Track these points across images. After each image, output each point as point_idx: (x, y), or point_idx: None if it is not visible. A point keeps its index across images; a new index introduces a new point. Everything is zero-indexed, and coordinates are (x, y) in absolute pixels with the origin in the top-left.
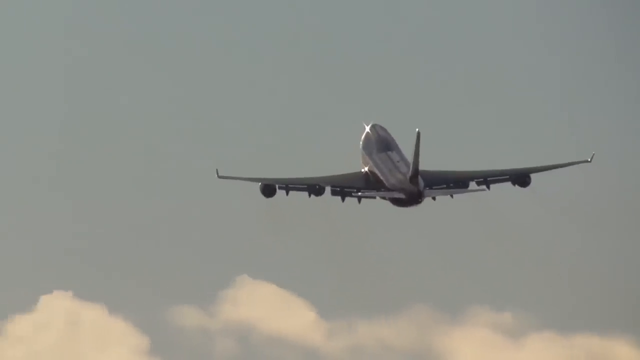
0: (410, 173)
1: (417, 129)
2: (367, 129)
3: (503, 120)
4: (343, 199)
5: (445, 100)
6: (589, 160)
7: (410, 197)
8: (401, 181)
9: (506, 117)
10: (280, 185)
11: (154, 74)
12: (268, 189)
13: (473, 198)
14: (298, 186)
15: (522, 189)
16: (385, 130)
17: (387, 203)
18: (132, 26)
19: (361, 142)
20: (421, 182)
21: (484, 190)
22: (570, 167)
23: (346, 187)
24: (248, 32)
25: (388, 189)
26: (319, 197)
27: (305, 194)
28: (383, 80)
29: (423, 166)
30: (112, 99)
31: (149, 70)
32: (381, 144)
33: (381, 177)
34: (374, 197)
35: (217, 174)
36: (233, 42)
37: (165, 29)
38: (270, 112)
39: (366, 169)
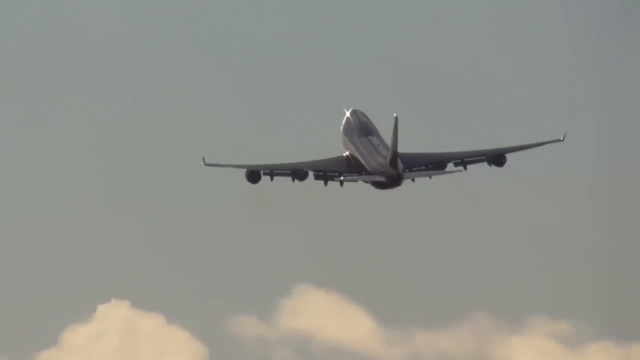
0: (389, 156)
1: (394, 114)
2: (348, 114)
3: (478, 102)
4: (326, 183)
5: (421, 84)
6: (562, 139)
7: (390, 180)
8: (382, 164)
9: (480, 99)
10: (265, 171)
11: (133, 64)
12: (253, 175)
13: (450, 178)
14: (282, 171)
15: (499, 168)
16: (364, 115)
17: (369, 186)
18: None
19: (342, 127)
20: (400, 165)
21: (461, 171)
22: (544, 146)
23: (329, 171)
24: (227, 21)
25: (369, 172)
26: (303, 182)
27: (289, 178)
28: (359, 66)
29: (401, 149)
30: (93, 92)
31: (127, 59)
32: (362, 128)
33: (362, 161)
34: (356, 181)
35: (204, 161)
36: (212, 31)
37: (148, 21)
38: (249, 99)
39: (347, 153)
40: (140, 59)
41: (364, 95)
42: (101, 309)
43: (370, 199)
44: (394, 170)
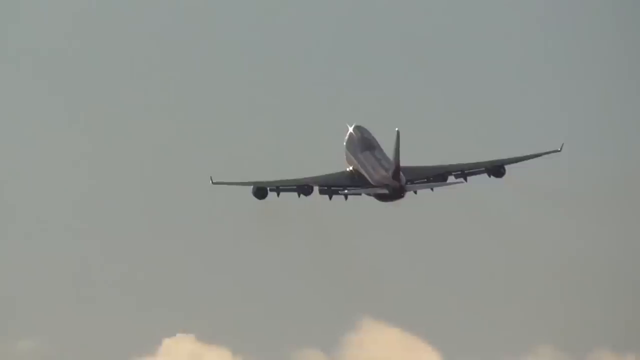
0: (392, 169)
1: (396, 129)
2: (350, 129)
3: (476, 114)
4: (330, 197)
5: (420, 98)
6: (559, 149)
7: (393, 192)
8: (385, 177)
9: (479, 111)
10: (271, 188)
11: (132, 83)
12: (260, 192)
13: (452, 189)
14: (288, 187)
15: (499, 179)
16: (366, 130)
17: (372, 199)
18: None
19: (345, 143)
20: (403, 178)
21: (462, 182)
22: (543, 157)
23: (333, 185)
24: (229, 36)
25: (372, 186)
26: (308, 197)
27: (295, 194)
28: (359, 80)
29: (403, 162)
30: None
31: (126, 77)
32: (364, 143)
33: (365, 175)
34: (360, 194)
35: (211, 180)
36: (213, 47)
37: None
38: (251, 116)
39: (351, 168)
40: (140, 78)
41: (364, 109)
42: (167, 342)
43: (379, 213)
44: (397, 182)
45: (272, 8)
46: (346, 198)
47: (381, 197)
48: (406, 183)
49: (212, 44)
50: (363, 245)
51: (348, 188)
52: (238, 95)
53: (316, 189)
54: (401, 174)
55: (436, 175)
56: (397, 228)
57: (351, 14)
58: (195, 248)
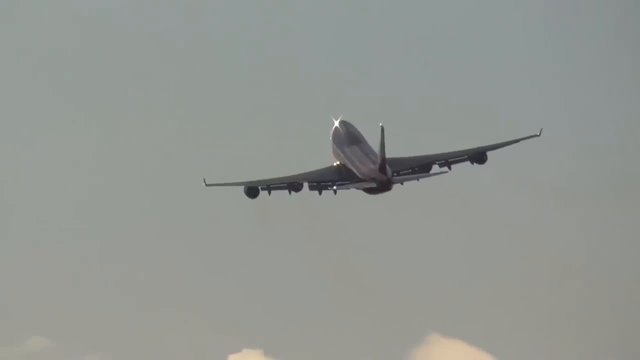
0: (378, 163)
1: (380, 124)
2: (336, 124)
3: (456, 104)
4: (320, 193)
5: (399, 90)
6: (538, 134)
7: (380, 185)
8: (372, 170)
9: (458, 100)
10: (262, 186)
11: (119, 90)
12: (252, 191)
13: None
14: (278, 185)
15: (482, 166)
16: (352, 125)
17: (361, 192)
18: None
19: (331, 137)
20: (389, 171)
21: (446, 172)
22: (523, 142)
23: (322, 181)
24: (210, 36)
25: (360, 179)
26: (299, 194)
27: (285, 192)
28: (337, 74)
29: (387, 153)
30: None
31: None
32: (350, 138)
33: (353, 169)
34: (349, 189)
35: (205, 182)
36: (194, 48)
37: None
38: (231, 117)
39: (337, 162)
40: (126, 82)
41: (345, 103)
42: (232, 358)
43: (375, 206)
44: (384, 175)
45: (254, 6)
46: (335, 192)
47: (369, 190)
48: (392, 175)
49: (195, 45)
50: (371, 242)
51: (337, 183)
52: (218, 96)
53: (306, 185)
54: (387, 167)
55: (421, 166)
56: (398, 221)
57: (327, 9)
58: (230, 258)
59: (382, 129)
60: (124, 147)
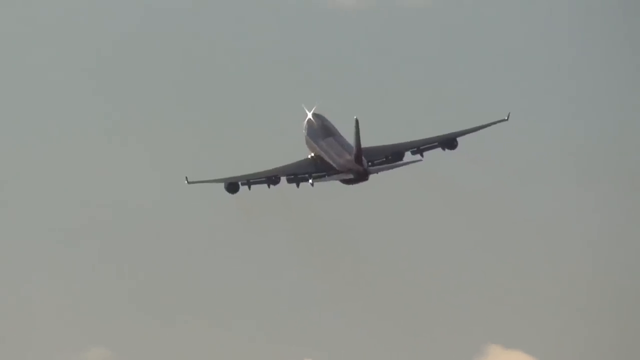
0: (354, 154)
1: (355, 117)
2: (309, 116)
3: (421, 91)
4: (298, 185)
5: (367, 80)
6: (506, 118)
7: (358, 176)
8: (348, 161)
9: (422, 87)
10: (242, 182)
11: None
12: (232, 186)
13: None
14: (257, 179)
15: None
16: (325, 118)
17: (338, 183)
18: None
19: (305, 130)
20: (365, 162)
21: (420, 160)
22: (493, 126)
23: (299, 174)
24: (179, 32)
25: (336, 171)
26: (277, 186)
27: (264, 186)
28: (301, 65)
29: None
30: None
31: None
32: (324, 130)
33: (329, 160)
34: (326, 181)
35: (187, 180)
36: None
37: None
38: (201, 113)
39: (312, 154)
40: (96, 79)
41: (314, 95)
42: None
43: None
44: (360, 166)
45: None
46: (312, 185)
47: (346, 181)
48: (368, 165)
49: (168, 42)
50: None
51: (313, 175)
52: (185, 93)
53: (283, 178)
54: (363, 158)
55: (393, 154)
56: (381, 210)
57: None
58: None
59: (357, 122)
60: (92, 149)
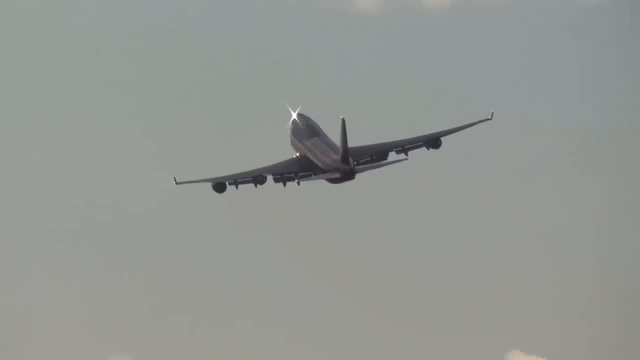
0: (341, 154)
1: (341, 117)
2: (294, 116)
3: (406, 91)
4: (284, 184)
5: (351, 80)
6: (490, 118)
7: (344, 175)
8: (335, 161)
9: (407, 87)
10: (229, 181)
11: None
12: (220, 186)
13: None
14: (244, 179)
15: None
16: (309, 118)
17: (325, 183)
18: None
19: (289, 130)
20: (351, 161)
21: (405, 159)
22: (476, 126)
23: (285, 173)
24: (165, 34)
25: (322, 170)
26: (265, 186)
27: (251, 185)
28: (291, 69)
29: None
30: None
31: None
32: (310, 130)
33: (315, 160)
34: (313, 180)
35: (175, 181)
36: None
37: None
38: (185, 114)
39: (297, 154)
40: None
41: (298, 95)
42: None
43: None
44: (347, 165)
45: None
46: (299, 184)
47: (332, 180)
48: (354, 165)
49: (153, 44)
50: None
51: (299, 175)
52: (169, 94)
53: (270, 177)
54: (350, 158)
55: (378, 153)
56: (368, 210)
57: (280, 4)
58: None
59: (343, 121)
60: (78, 150)
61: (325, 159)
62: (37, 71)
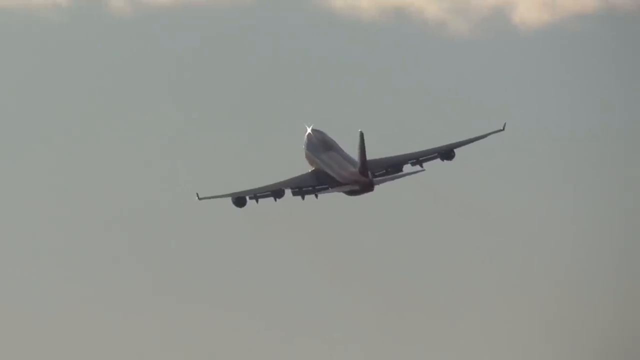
0: (359, 166)
1: (359, 130)
2: (309, 131)
3: (418, 104)
4: (303, 198)
5: (362, 94)
6: (502, 129)
7: (363, 187)
8: (352, 173)
9: (421, 99)
10: (250, 196)
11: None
12: (240, 201)
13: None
14: (263, 193)
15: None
16: (324, 132)
17: (343, 194)
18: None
19: (304, 145)
20: (370, 173)
21: (423, 170)
22: (489, 137)
23: (303, 187)
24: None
25: (339, 183)
26: (283, 199)
27: (271, 199)
28: (304, 83)
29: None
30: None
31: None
32: (325, 144)
33: (332, 173)
34: (332, 192)
35: (198, 196)
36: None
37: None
38: (201, 130)
39: (313, 168)
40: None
41: (312, 109)
42: None
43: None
44: (366, 178)
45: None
46: (317, 196)
47: (350, 192)
48: (373, 177)
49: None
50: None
51: (317, 188)
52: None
53: (288, 191)
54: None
55: (393, 166)
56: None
57: (294, 20)
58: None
59: (362, 134)
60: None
61: (344, 172)
62: (67, 83)
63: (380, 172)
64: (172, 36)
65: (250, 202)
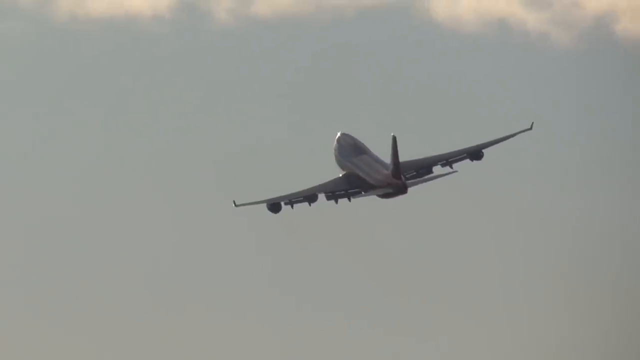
0: (392, 169)
1: (392, 134)
2: (339, 135)
3: (447, 104)
4: (336, 202)
5: (388, 97)
6: (530, 128)
7: (397, 189)
8: (386, 176)
9: (451, 102)
10: (285, 201)
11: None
12: (275, 207)
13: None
14: (297, 198)
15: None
16: (353, 137)
17: (376, 197)
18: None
19: (335, 150)
20: (403, 176)
21: (455, 172)
22: (517, 136)
23: (336, 191)
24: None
25: (372, 186)
26: (317, 204)
27: (305, 204)
28: (330, 88)
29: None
30: None
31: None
32: (355, 149)
33: (364, 177)
34: (366, 196)
35: (235, 204)
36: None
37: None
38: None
39: (345, 172)
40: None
41: (339, 113)
42: None
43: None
44: (399, 180)
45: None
46: (350, 200)
47: (384, 195)
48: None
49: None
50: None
51: (349, 192)
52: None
53: (321, 196)
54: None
55: (423, 167)
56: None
57: (318, 22)
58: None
59: (394, 138)
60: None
61: (377, 176)
62: (166, 93)
63: (411, 174)
64: (273, 48)
65: (285, 208)
